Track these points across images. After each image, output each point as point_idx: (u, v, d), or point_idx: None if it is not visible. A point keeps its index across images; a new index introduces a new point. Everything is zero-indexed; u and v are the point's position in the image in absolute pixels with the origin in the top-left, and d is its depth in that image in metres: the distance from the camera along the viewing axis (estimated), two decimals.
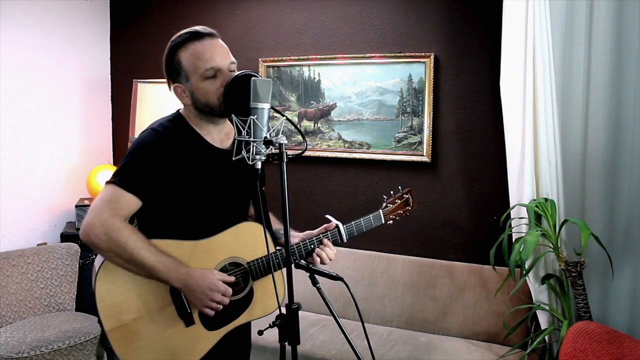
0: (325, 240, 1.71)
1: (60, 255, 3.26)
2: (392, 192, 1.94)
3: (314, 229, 1.79)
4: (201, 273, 1.56)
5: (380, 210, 1.86)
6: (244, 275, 1.67)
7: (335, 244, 1.74)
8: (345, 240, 1.75)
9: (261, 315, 1.69)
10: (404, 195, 1.93)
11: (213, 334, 1.63)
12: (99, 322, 1.54)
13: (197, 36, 1.57)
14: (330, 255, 1.71)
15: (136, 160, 1.55)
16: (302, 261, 1.60)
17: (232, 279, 1.61)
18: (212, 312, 1.58)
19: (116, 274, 1.54)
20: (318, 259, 1.70)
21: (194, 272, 1.55)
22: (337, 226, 1.74)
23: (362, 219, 1.80)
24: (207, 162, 1.62)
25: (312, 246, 1.71)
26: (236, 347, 1.78)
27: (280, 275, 1.68)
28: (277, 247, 1.69)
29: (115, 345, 1.54)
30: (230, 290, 1.58)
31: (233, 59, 1.60)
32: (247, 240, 1.66)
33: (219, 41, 1.60)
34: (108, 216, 1.48)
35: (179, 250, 1.57)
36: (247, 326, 1.77)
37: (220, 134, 1.67)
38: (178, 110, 1.68)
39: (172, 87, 1.63)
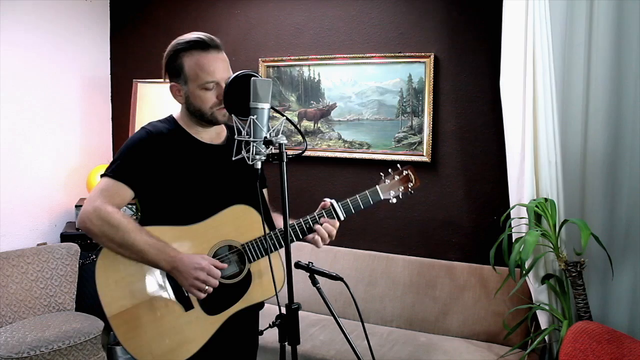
0: (322, 219, 1.73)
1: (60, 255, 3.26)
2: (389, 169, 1.88)
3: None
4: (189, 255, 1.58)
5: (377, 186, 1.84)
6: (240, 258, 1.68)
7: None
8: (342, 217, 1.75)
9: (260, 299, 1.71)
10: (403, 172, 1.87)
11: (214, 318, 1.64)
12: (102, 310, 1.57)
13: (204, 46, 1.62)
14: (329, 230, 1.72)
15: (127, 153, 1.63)
16: (303, 261, 1.60)
17: (224, 265, 1.62)
18: (200, 294, 1.57)
19: (115, 260, 1.58)
20: (319, 238, 1.71)
21: (182, 255, 1.58)
22: (331, 204, 1.75)
23: (357, 195, 1.80)
24: (195, 155, 1.68)
25: (307, 225, 1.72)
26: (243, 340, 1.80)
27: (278, 256, 1.70)
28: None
29: (118, 332, 1.57)
30: (217, 272, 1.58)
31: (232, 74, 1.63)
32: (240, 223, 1.68)
33: (222, 55, 1.66)
34: (100, 203, 1.55)
35: (171, 234, 1.61)
36: (254, 320, 1.78)
37: (209, 133, 1.73)
38: (171, 115, 1.75)
39: (169, 84, 1.69)
